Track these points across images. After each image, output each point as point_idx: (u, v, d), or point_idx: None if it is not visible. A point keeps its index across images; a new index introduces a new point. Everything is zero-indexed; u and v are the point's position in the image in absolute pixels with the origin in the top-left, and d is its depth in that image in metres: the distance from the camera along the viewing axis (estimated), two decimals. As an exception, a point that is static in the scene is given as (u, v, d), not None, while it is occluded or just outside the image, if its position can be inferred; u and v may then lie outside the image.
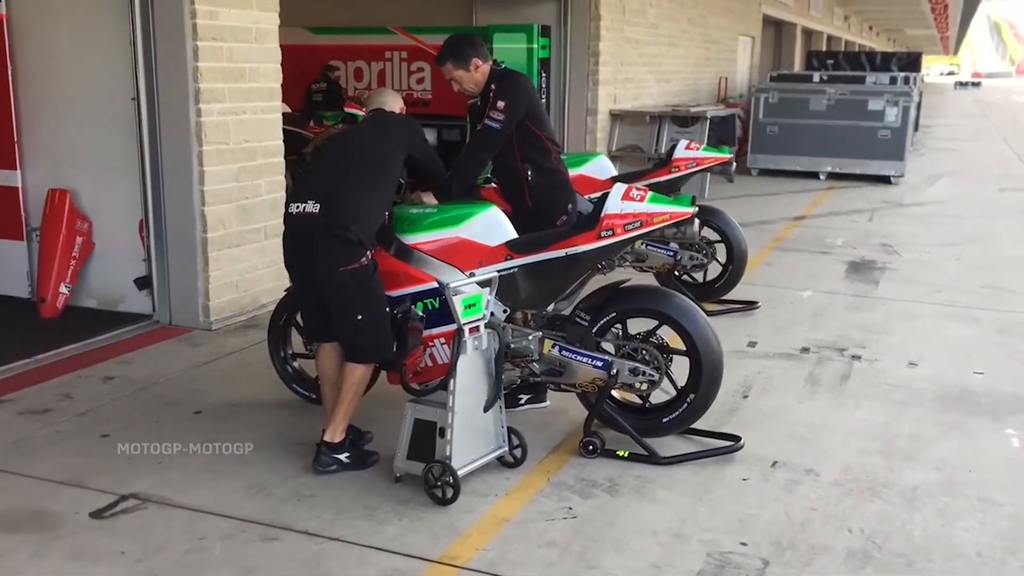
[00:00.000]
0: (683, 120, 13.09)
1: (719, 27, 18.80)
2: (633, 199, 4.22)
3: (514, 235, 4.44)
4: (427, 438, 3.99)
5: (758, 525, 3.81)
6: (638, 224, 4.17)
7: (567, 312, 4.59)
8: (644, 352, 4.39)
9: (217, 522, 3.73)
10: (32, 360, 5.54)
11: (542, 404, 5.00)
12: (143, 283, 6.45)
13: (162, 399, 5.07)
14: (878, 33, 54.04)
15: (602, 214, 4.20)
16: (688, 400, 4.43)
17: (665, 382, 4.44)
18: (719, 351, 4.40)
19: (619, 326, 4.53)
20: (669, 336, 4.53)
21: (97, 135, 6.41)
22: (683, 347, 4.43)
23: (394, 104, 4.57)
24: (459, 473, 3.96)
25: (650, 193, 4.28)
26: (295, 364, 4.99)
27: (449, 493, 3.90)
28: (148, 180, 6.26)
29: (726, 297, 7.09)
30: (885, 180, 14.78)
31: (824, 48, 33.10)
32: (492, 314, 4.32)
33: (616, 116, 13.17)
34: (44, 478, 4.08)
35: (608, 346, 4.53)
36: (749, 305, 7.04)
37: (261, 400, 5.05)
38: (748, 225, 10.58)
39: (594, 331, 4.45)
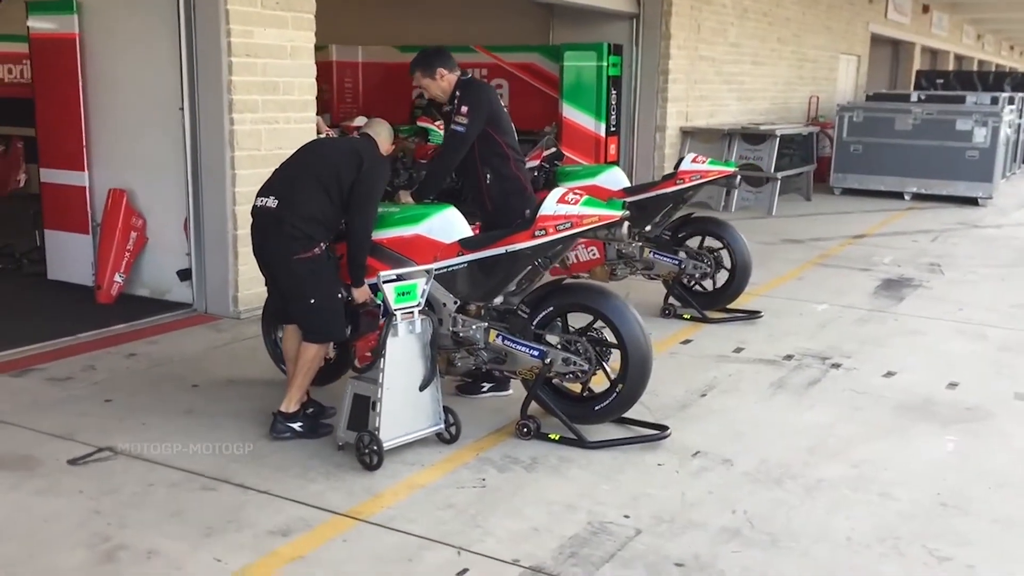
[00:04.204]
0: (754, 138, 13.21)
1: (816, 46, 18.70)
2: (568, 202, 4.60)
3: (468, 233, 4.88)
4: (363, 410, 4.45)
5: (650, 503, 4.12)
6: (569, 225, 4.54)
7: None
8: (578, 345, 4.75)
9: (169, 473, 4.29)
10: (73, 338, 6.28)
11: (504, 392, 5.40)
12: (184, 275, 7.15)
13: (170, 374, 5.71)
14: (1021, 53, 51.76)
15: (537, 215, 4.60)
16: (617, 391, 4.76)
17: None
18: (647, 346, 4.72)
19: (559, 319, 4.90)
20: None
21: (151, 141, 7.16)
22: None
23: (385, 139, 4.95)
24: (390, 444, 4.41)
25: (585, 197, 4.65)
26: (283, 346, 5.52)
27: (375, 460, 4.35)
28: (191, 182, 6.97)
29: (731, 306, 7.32)
30: (972, 202, 14.50)
31: (953, 68, 32.16)
32: (444, 305, 4.78)
33: (688, 133, 13.41)
34: (42, 431, 4.74)
35: (552, 338, 4.89)
36: (751, 315, 7.24)
37: (255, 378, 5.63)
38: (800, 242, 10.76)
39: (534, 324, 4.83)
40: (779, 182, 13.14)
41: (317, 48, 7.38)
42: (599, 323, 4.91)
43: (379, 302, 4.79)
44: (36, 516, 3.87)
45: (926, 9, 27.22)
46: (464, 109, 5.14)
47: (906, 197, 14.84)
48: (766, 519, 4.00)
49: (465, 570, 3.53)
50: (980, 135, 14.43)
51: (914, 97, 16.74)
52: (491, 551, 3.67)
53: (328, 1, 7.95)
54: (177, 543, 3.67)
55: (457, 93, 5.21)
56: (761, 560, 3.67)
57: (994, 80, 22.04)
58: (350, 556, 3.63)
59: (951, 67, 32.39)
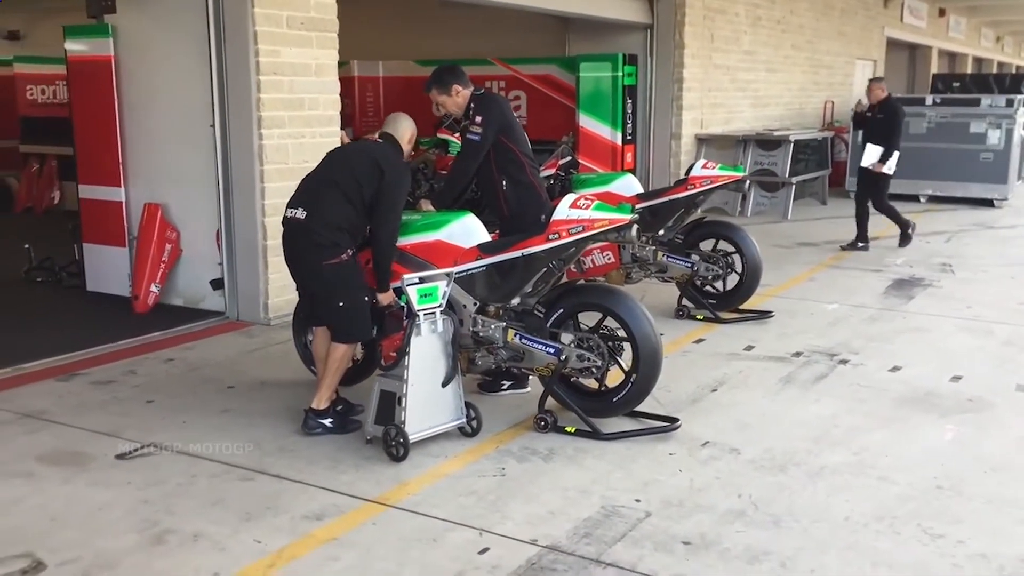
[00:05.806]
0: (768, 144, 13.44)
1: (830, 52, 18.91)
2: (580, 207, 4.87)
3: (486, 239, 5.16)
4: (390, 406, 4.74)
5: (660, 488, 4.38)
6: (580, 229, 4.81)
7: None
8: (591, 341, 5.02)
9: (210, 466, 4.60)
10: (114, 345, 6.61)
11: (522, 390, 5.67)
12: (217, 284, 7.48)
13: (206, 376, 6.02)
14: (1042, 54, 51.49)
15: (551, 220, 4.88)
16: (632, 380, 5.03)
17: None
18: (655, 339, 4.99)
19: (572, 319, 5.17)
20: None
21: (184, 157, 7.51)
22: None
23: (405, 132, 5.17)
24: (415, 437, 4.69)
25: (596, 202, 4.92)
26: (313, 348, 5.82)
27: (401, 451, 4.64)
28: (222, 195, 7.30)
29: (744, 307, 7.56)
30: (988, 204, 14.65)
31: (972, 70, 32.19)
32: (464, 306, 5.07)
33: (703, 140, 13.66)
34: (90, 429, 5.07)
35: (567, 336, 5.16)
36: (763, 315, 7.48)
37: (286, 379, 5.93)
38: (814, 245, 10.96)
39: (550, 323, 5.11)
40: (794, 187, 13.36)
41: (339, 64, 7.70)
42: (612, 321, 5.17)
43: (403, 304, 5.08)
44: (90, 505, 4.18)
45: (943, 13, 27.33)
46: (478, 119, 5.44)
47: (922, 200, 15.00)
48: (770, 502, 4.24)
49: (486, 548, 3.81)
50: (994, 137, 14.61)
51: (929, 100, 16.91)
52: (511, 532, 3.95)
53: (349, 18, 8.27)
54: (220, 527, 3.97)
55: (472, 105, 5.51)
56: (763, 538, 3.92)
57: (1011, 82, 22.04)
58: (380, 537, 3.91)
59: (970, 70, 32.42)
